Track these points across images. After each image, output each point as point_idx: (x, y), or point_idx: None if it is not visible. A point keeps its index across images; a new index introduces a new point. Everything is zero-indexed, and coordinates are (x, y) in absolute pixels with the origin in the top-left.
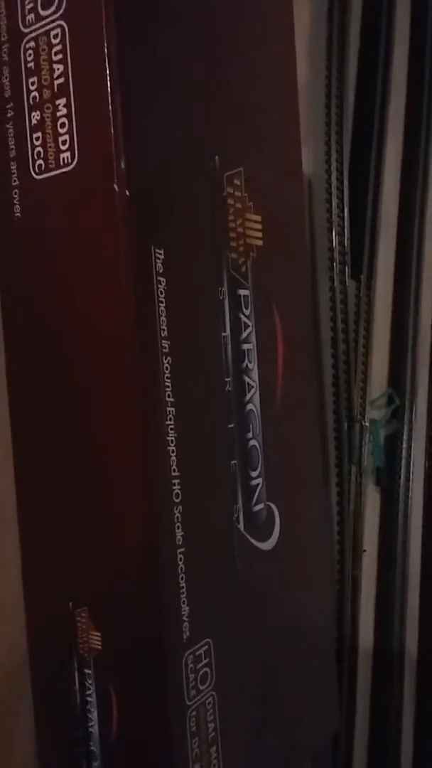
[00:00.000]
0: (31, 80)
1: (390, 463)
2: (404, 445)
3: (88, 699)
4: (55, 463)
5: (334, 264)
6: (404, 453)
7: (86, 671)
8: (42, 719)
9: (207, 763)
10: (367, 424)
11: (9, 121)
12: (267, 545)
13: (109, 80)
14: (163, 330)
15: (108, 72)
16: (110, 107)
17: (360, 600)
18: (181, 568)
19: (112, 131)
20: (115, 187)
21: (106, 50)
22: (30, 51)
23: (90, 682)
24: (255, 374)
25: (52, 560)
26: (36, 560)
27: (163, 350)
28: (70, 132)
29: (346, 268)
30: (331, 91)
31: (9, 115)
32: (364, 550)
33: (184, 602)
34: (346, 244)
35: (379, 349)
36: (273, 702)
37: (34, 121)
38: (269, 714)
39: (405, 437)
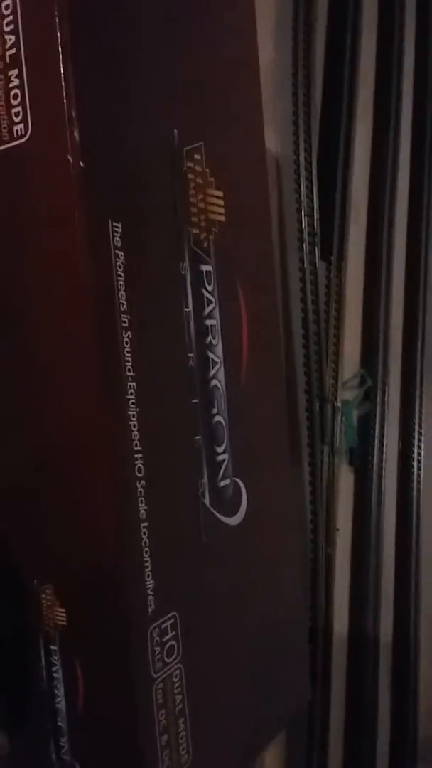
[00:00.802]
0: None
1: (363, 444)
2: (377, 425)
3: (55, 675)
4: (15, 440)
5: (304, 245)
6: (377, 433)
7: (52, 647)
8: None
9: (175, 734)
10: (339, 404)
11: None
12: (234, 520)
13: (61, 51)
14: (123, 304)
15: (60, 42)
16: (62, 77)
17: (334, 577)
18: (145, 542)
19: (65, 102)
20: (69, 158)
21: (57, 21)
22: None
23: (55, 658)
24: (219, 350)
25: (15, 538)
26: (0, 539)
27: (123, 324)
28: (23, 103)
29: (316, 249)
30: (298, 71)
31: None
32: (338, 529)
33: (148, 576)
34: (315, 225)
35: (350, 330)
36: (242, 674)
37: None
38: (238, 686)
39: (378, 417)
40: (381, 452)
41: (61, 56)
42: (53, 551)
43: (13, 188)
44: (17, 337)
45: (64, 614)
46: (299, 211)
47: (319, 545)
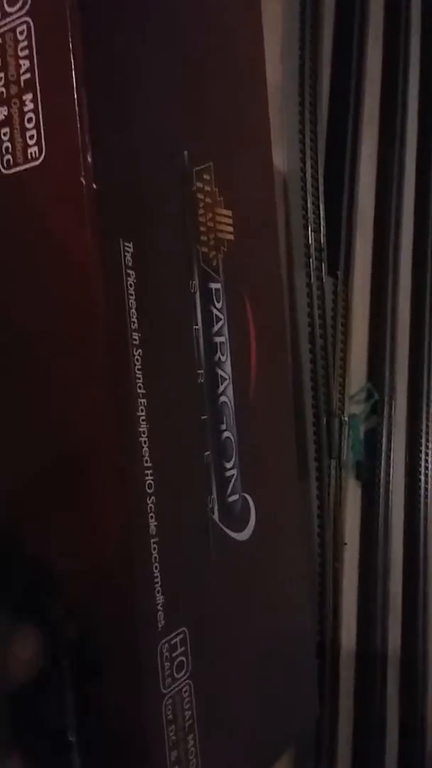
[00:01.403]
0: None
1: (370, 458)
2: (384, 440)
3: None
4: (26, 457)
5: (311, 260)
6: (384, 447)
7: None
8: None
9: (184, 750)
10: (346, 418)
11: None
12: (242, 536)
13: (75, 75)
14: (134, 323)
15: (73, 67)
16: (76, 101)
17: (342, 591)
18: (155, 558)
19: (78, 125)
20: (83, 180)
21: (71, 45)
22: None
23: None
24: (228, 366)
25: (26, 556)
26: None
27: (134, 342)
28: (37, 127)
29: (323, 264)
30: (305, 90)
31: None
32: (345, 543)
33: (158, 591)
34: (322, 241)
35: (357, 345)
36: (251, 690)
37: (1, 117)
38: (247, 702)
39: (385, 431)
40: (388, 466)
41: (74, 80)
42: (63, 567)
43: (26, 209)
44: (29, 355)
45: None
46: (306, 227)
47: (326, 559)
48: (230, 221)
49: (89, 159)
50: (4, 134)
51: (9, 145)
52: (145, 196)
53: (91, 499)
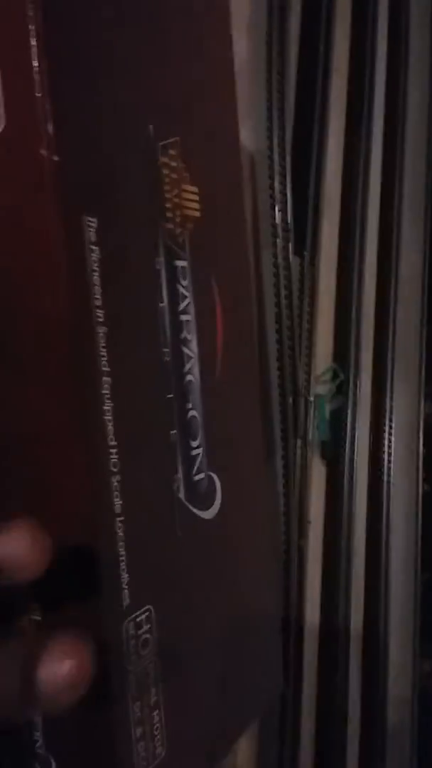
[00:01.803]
0: None
1: (335, 437)
2: (349, 419)
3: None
4: None
5: (277, 240)
6: (349, 427)
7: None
8: None
9: (150, 726)
10: (312, 398)
11: None
12: (208, 514)
13: (35, 42)
14: (98, 299)
15: (33, 34)
16: (36, 72)
17: (306, 569)
18: (120, 537)
19: (39, 96)
20: (43, 152)
21: (30, 12)
22: None
23: None
24: (194, 345)
25: None
26: None
27: (98, 319)
28: None
29: (290, 244)
30: (272, 67)
31: None
32: (309, 522)
33: (123, 570)
34: (288, 221)
35: (323, 325)
36: (217, 666)
37: None
38: (213, 677)
39: (350, 411)
40: (353, 445)
41: (35, 50)
42: None
43: None
44: None
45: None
46: (273, 207)
47: (291, 537)
48: (196, 198)
49: (50, 131)
50: None
51: None
52: (109, 171)
53: (56, 478)
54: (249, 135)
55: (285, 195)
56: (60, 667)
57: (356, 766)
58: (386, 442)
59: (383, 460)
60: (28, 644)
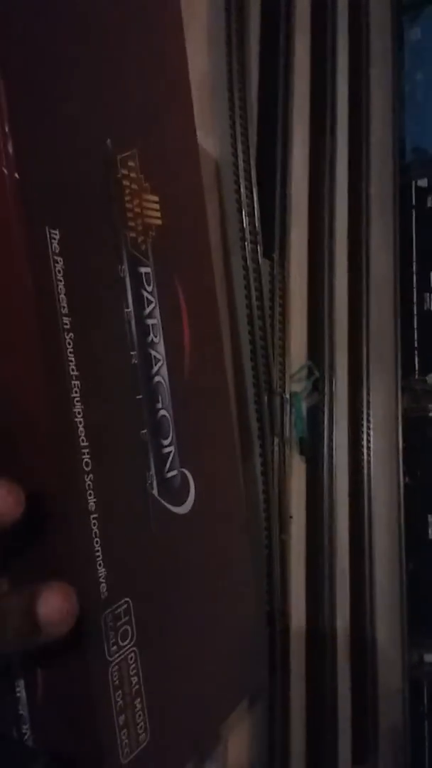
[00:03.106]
0: None
1: (313, 434)
2: (326, 416)
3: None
4: None
5: (246, 244)
6: (326, 423)
7: None
8: None
9: (132, 714)
10: (288, 396)
11: None
12: (182, 509)
13: None
14: (64, 307)
15: None
16: None
17: (290, 562)
18: (95, 533)
19: None
20: (4, 170)
21: None
22: None
23: None
24: (161, 347)
25: None
26: None
27: (65, 326)
28: None
29: (258, 247)
30: (233, 74)
31: None
32: (291, 516)
33: (100, 564)
34: (256, 225)
35: (296, 324)
36: (196, 656)
37: None
38: (193, 667)
39: (326, 408)
40: (331, 441)
41: None
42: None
43: None
44: None
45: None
46: (240, 211)
47: (273, 532)
48: (157, 206)
49: (10, 149)
50: None
51: None
52: (69, 184)
53: (29, 479)
54: (214, 143)
55: (252, 199)
56: (56, 599)
57: (349, 760)
58: (365, 437)
59: (363, 454)
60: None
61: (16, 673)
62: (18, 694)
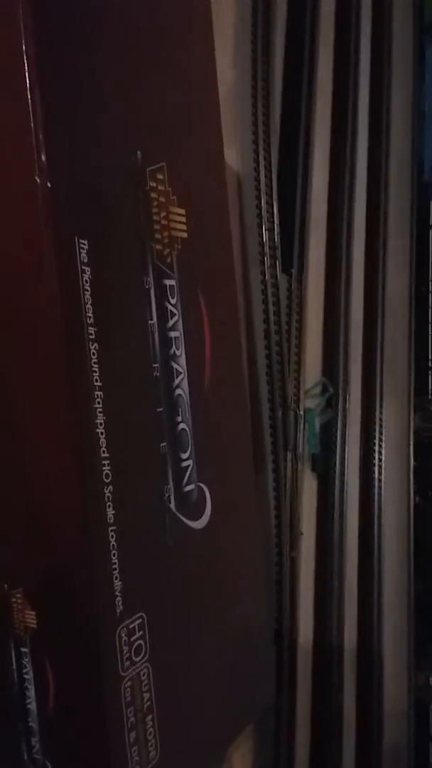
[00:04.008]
0: None
1: (325, 450)
2: (339, 432)
3: (25, 677)
4: None
5: (265, 258)
6: (339, 440)
7: (22, 650)
8: None
9: (143, 731)
10: (302, 412)
11: None
12: (199, 524)
13: (28, 75)
14: (89, 317)
15: (26, 67)
16: (30, 101)
17: (299, 580)
18: (113, 545)
19: (32, 125)
20: (37, 179)
21: (24, 46)
22: None
23: (26, 660)
24: (183, 360)
25: None
26: None
27: (90, 336)
28: None
29: (277, 262)
30: (258, 92)
31: None
32: (301, 533)
33: (116, 578)
34: (276, 240)
35: (312, 340)
36: (208, 672)
37: None
38: (204, 683)
39: (339, 425)
40: (343, 458)
41: (28, 81)
42: (23, 555)
43: None
44: None
45: (34, 617)
46: (260, 225)
47: (283, 549)
48: (183, 219)
49: (43, 158)
50: None
51: None
52: (99, 195)
53: (50, 489)
54: (236, 157)
55: (272, 214)
56: None
57: None
58: (377, 455)
59: (374, 472)
60: None
61: (26, 683)
62: (29, 706)
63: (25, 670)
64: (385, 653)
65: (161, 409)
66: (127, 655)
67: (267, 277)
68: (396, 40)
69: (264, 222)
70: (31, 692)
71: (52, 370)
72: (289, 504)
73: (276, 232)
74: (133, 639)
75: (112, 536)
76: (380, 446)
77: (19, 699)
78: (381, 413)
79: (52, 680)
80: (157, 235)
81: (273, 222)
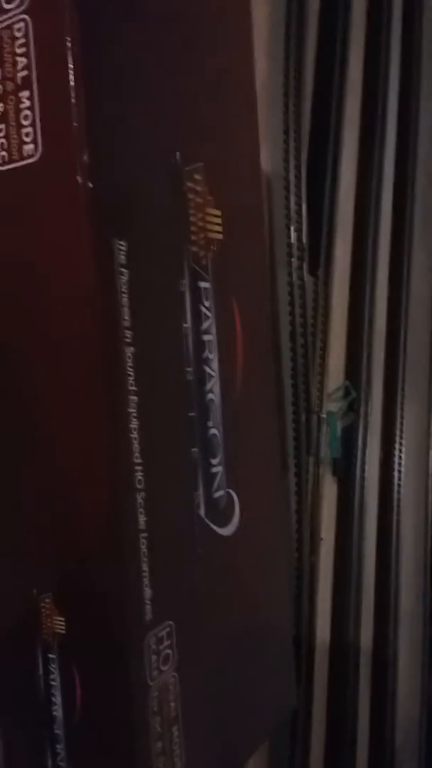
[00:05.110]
0: None
1: (346, 454)
2: (360, 436)
3: (52, 683)
4: (17, 450)
5: (292, 260)
6: (360, 444)
7: (50, 656)
8: (5, 704)
9: (169, 741)
10: (324, 415)
11: None
12: (227, 531)
13: (72, 74)
14: (126, 320)
15: (71, 66)
16: (73, 101)
17: (318, 586)
18: (144, 553)
19: (75, 124)
20: (78, 179)
21: (69, 45)
22: None
23: (54, 666)
24: (215, 364)
25: (16, 547)
26: None
27: (126, 340)
28: (33, 124)
29: (304, 264)
30: (289, 91)
31: None
32: (321, 538)
33: (146, 585)
34: (303, 241)
35: (335, 343)
36: (232, 682)
37: None
38: (229, 694)
39: (361, 429)
40: (363, 462)
41: (72, 81)
42: (53, 560)
43: (20, 206)
44: (21, 350)
45: (63, 623)
46: (288, 226)
47: (303, 554)
48: (219, 221)
49: (86, 158)
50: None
51: (4, 141)
52: (138, 196)
53: (83, 493)
54: (265, 157)
55: (300, 215)
56: None
57: None
58: (397, 460)
59: (394, 477)
60: None
61: (53, 689)
62: (55, 713)
63: (51, 676)
64: (401, 660)
65: (193, 414)
66: (155, 664)
67: (294, 279)
68: (426, 45)
69: (292, 223)
70: (58, 699)
71: (87, 375)
72: (310, 509)
73: (304, 234)
74: (161, 647)
75: (143, 543)
76: (400, 451)
77: (45, 705)
78: (402, 417)
79: (79, 687)
80: (194, 237)
81: (301, 223)
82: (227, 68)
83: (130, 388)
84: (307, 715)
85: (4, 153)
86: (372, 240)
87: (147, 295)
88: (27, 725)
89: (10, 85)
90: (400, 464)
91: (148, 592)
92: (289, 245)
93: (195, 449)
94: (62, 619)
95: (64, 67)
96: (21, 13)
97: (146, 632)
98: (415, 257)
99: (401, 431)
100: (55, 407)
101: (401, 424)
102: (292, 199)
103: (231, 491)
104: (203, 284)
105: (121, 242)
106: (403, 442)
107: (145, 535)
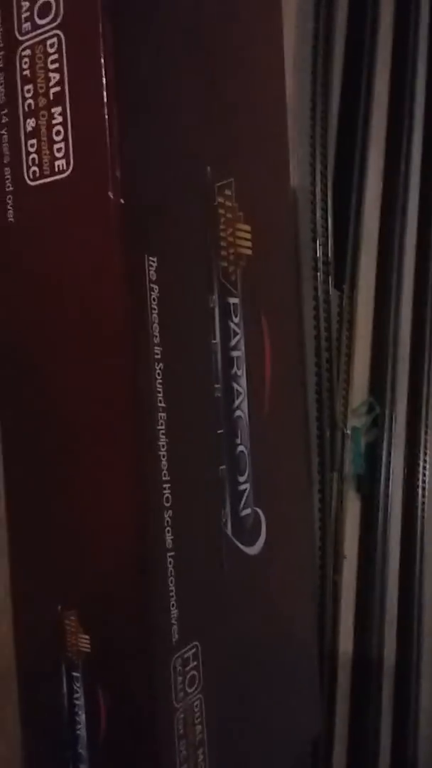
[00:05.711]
0: (26, 88)
1: (370, 470)
2: (384, 453)
3: (76, 702)
4: (45, 465)
5: (318, 274)
6: (384, 460)
7: (74, 674)
8: (29, 723)
9: (194, 765)
10: (348, 431)
11: (4, 128)
12: (253, 550)
13: (105, 90)
14: (156, 336)
15: (104, 82)
16: (106, 116)
17: (340, 605)
18: (171, 572)
19: (108, 140)
20: (110, 195)
21: (102, 60)
22: (26, 59)
23: (78, 685)
24: (243, 381)
25: (41, 563)
26: (25, 563)
27: (156, 356)
28: (65, 140)
29: (330, 278)
30: (316, 105)
31: (4, 121)
32: (345, 556)
33: (173, 605)
34: (329, 255)
35: (360, 358)
36: (258, 705)
37: (29, 128)
38: (254, 717)
39: (385, 445)
40: (387, 479)
41: (105, 96)
42: (79, 577)
43: (51, 221)
44: (49, 366)
45: (87, 641)
46: (314, 240)
47: (327, 573)
48: (249, 236)
49: (117, 174)
50: (31, 146)
51: (36, 156)
52: (169, 211)
53: (111, 512)
54: (292, 170)
55: (326, 229)
56: None
57: None
58: (421, 476)
59: (417, 493)
60: None
61: (77, 709)
62: (78, 732)
63: (76, 695)
64: (423, 679)
65: (221, 431)
66: (181, 685)
67: (319, 293)
68: None
69: (318, 237)
70: (82, 718)
71: (117, 390)
72: (334, 526)
73: (330, 248)
74: (187, 669)
75: (170, 562)
76: (424, 467)
77: (69, 724)
78: (426, 434)
79: (103, 707)
80: (223, 252)
81: (327, 237)
82: (258, 83)
83: (159, 404)
84: (329, 732)
85: (35, 168)
86: (397, 254)
87: (177, 310)
88: (51, 744)
89: (42, 101)
90: (424, 481)
91: (174, 612)
92: (315, 259)
93: (223, 467)
94: (87, 637)
95: (97, 82)
96: (54, 28)
97: (173, 653)
98: None
99: (425, 447)
100: (84, 423)
101: (425, 440)
102: (318, 213)
103: (258, 509)
104: (232, 300)
105: (152, 258)
106: (427, 458)
107: (171, 553)
